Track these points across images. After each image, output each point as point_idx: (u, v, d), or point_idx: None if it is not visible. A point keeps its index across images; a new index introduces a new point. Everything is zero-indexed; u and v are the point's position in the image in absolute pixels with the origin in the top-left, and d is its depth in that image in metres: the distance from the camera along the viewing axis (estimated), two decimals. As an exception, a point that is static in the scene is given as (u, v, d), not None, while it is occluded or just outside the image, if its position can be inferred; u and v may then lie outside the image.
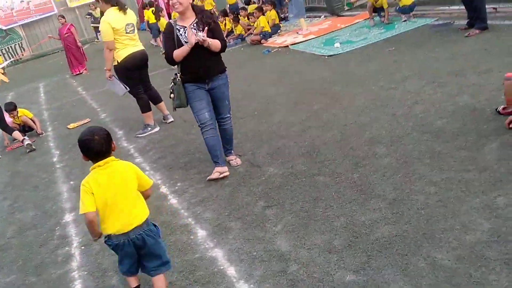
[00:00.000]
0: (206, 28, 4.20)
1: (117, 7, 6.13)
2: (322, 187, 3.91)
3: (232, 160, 4.81)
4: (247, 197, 4.08)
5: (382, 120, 4.89)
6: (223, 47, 4.39)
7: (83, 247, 4.01)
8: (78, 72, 13.58)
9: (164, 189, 4.73)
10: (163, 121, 6.86)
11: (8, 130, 7.52)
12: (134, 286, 3.09)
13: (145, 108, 6.59)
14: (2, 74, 11.44)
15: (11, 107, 7.87)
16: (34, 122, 8.13)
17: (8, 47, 22.32)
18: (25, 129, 8.05)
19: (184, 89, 4.46)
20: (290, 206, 3.77)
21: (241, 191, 4.21)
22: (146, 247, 2.91)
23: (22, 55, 22.08)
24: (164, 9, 16.81)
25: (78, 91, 11.31)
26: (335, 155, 4.41)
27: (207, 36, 4.19)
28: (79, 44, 13.77)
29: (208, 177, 4.57)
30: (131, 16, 6.33)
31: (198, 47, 4.22)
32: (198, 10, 4.36)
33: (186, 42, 4.24)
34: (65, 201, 5.08)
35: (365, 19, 9.73)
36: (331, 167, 4.21)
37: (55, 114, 9.39)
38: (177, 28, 4.31)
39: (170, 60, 4.42)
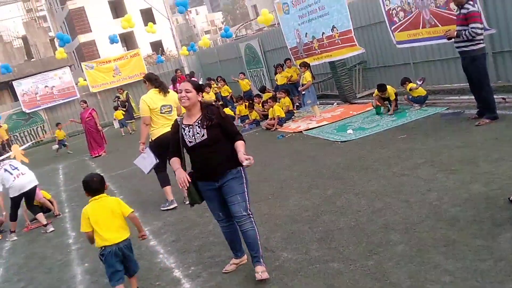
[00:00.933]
0: (205, 127, 4.03)
1: (158, 89, 6.84)
2: (336, 274, 3.90)
3: (258, 272, 4.09)
4: (261, 284, 4.07)
5: (396, 206, 4.93)
6: (240, 138, 4.13)
7: (95, 332, 3.98)
8: (97, 155, 13.90)
9: (177, 273, 4.74)
10: (167, 207, 6.99)
11: (34, 210, 7.64)
12: None
13: (164, 183, 7.06)
14: (22, 155, 11.78)
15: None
16: (52, 203, 8.27)
17: (30, 129, 23.00)
18: (43, 210, 8.17)
19: (196, 187, 4.23)
20: (304, 293, 3.75)
21: (256, 276, 4.20)
22: (125, 257, 4.23)
23: (44, 137, 22.72)
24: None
25: (96, 171, 11.50)
26: (349, 241, 4.42)
27: (215, 133, 4.03)
28: (99, 127, 14.22)
29: (224, 269, 4.47)
30: (171, 98, 6.91)
31: (202, 146, 4.04)
32: (204, 106, 4.17)
33: (190, 142, 4.07)
34: (78, 284, 5.09)
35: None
36: (345, 253, 4.22)
37: (72, 196, 9.55)
38: (182, 127, 4.15)
39: (172, 153, 4.25)
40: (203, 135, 4.04)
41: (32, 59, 32.70)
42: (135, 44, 44.03)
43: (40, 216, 7.53)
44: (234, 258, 4.48)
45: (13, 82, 23.72)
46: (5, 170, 7.36)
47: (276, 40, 15.55)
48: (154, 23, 26.86)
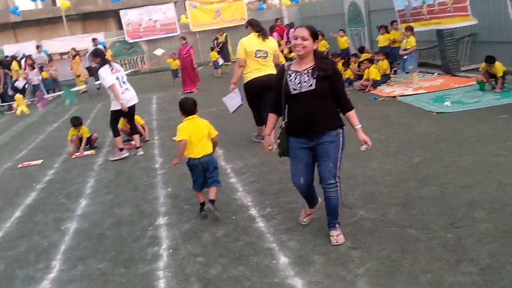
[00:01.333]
0: (315, 76, 3.74)
1: (258, 33, 6.92)
2: (412, 240, 3.84)
3: (333, 236, 3.98)
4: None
5: (486, 185, 4.72)
6: (349, 106, 3.91)
7: (171, 250, 4.22)
8: (190, 91, 14.28)
9: (253, 212, 4.87)
10: (259, 140, 7.39)
11: (133, 128, 8.02)
12: (201, 201, 4.93)
13: (257, 123, 7.41)
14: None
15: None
16: (144, 128, 8.69)
17: (130, 59, 24.03)
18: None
19: (288, 141, 4.01)
20: (377, 252, 3.74)
21: (331, 241, 4.20)
22: (209, 169, 4.82)
23: (142, 67, 23.67)
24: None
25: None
26: (431, 211, 4.31)
27: (323, 86, 3.73)
28: (195, 65, 14.56)
29: (302, 220, 4.39)
30: (269, 44, 7.02)
31: (306, 96, 3.75)
32: (318, 56, 3.84)
33: (294, 89, 3.77)
34: (160, 205, 5.38)
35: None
36: (425, 222, 4.12)
37: (163, 125, 9.96)
38: (288, 73, 3.84)
39: (272, 106, 4.12)
40: (311, 85, 3.72)
41: (140, -8, 33.62)
42: (239, -11, 43.91)
43: (137, 138, 7.91)
44: (308, 207, 4.37)
45: (120, 11, 24.67)
46: (117, 78, 7.49)
47: (384, 0, 14.92)
48: (261, -31, 26.58)
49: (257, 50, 6.91)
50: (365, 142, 3.87)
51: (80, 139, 8.42)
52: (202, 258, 4.01)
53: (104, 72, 7.28)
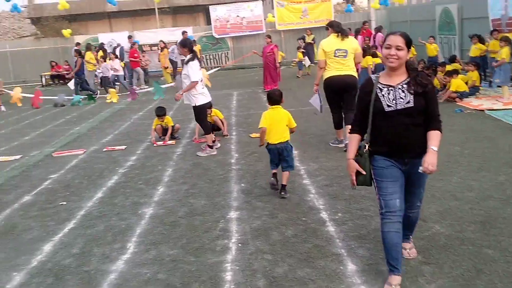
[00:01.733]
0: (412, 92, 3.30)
1: (337, 33, 6.99)
2: (489, 261, 3.67)
3: (406, 248, 3.79)
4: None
5: None
6: (438, 126, 3.34)
7: (240, 245, 4.30)
8: (270, 89, 14.41)
9: (324, 215, 4.84)
10: (336, 144, 7.46)
11: (205, 125, 7.92)
12: (273, 172, 5.67)
13: (336, 125, 7.39)
14: (207, 79, 12.85)
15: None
16: (222, 123, 8.87)
17: (215, 54, 24.59)
18: (214, 128, 8.81)
19: (371, 162, 3.48)
20: (449, 269, 3.60)
21: (403, 254, 4.10)
22: (283, 154, 5.51)
23: (226, 64, 24.18)
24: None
25: (266, 106, 11.98)
26: (512, 233, 4.09)
27: (420, 103, 3.28)
28: (278, 64, 14.65)
29: None
30: (348, 43, 7.07)
31: (404, 114, 3.30)
32: (412, 68, 3.41)
33: (388, 106, 3.31)
34: (233, 200, 5.48)
35: None
36: (504, 243, 3.92)
37: (241, 122, 10.12)
38: (379, 87, 3.39)
39: (355, 124, 3.59)
40: (408, 102, 3.29)
41: (230, -11, 34.26)
42: (328, -10, 43.65)
43: (209, 137, 7.78)
44: (391, 274, 3.42)
45: (209, 6, 25.28)
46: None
47: (478, 8, 14.25)
48: (352, -29, 26.25)
49: (336, 50, 6.97)
50: (427, 167, 3.21)
51: (163, 129, 8.74)
52: (269, 255, 4.05)
53: (195, 66, 7.42)
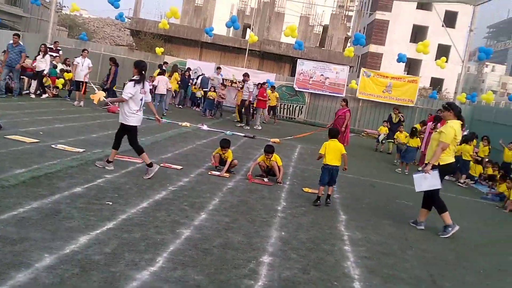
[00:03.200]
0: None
1: (460, 121, 7.13)
2: None
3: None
4: None
5: None
6: None
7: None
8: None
9: (357, 285, 4.67)
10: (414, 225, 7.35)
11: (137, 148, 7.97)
12: (319, 195, 7.68)
13: (442, 209, 7.19)
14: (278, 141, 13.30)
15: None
16: (279, 170, 8.89)
17: (290, 105, 24.94)
18: (269, 173, 8.86)
19: None
20: None
21: None
22: (333, 174, 7.71)
23: (298, 116, 24.49)
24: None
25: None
26: None
27: None
28: (343, 128, 14.59)
29: None
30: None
31: None
32: None
33: None
34: (270, 245, 5.40)
35: None
36: None
37: (297, 174, 10.11)
38: None
39: None
40: None
41: (323, 48, 34.99)
42: (416, 72, 43.81)
43: (113, 153, 7.84)
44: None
45: (298, 59, 25.84)
46: (141, 99, 7.78)
47: None
48: (446, 60, 26.09)
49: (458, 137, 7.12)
50: None
51: (221, 159, 8.89)
52: (290, 309, 3.93)
53: (131, 86, 7.60)
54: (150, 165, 7.70)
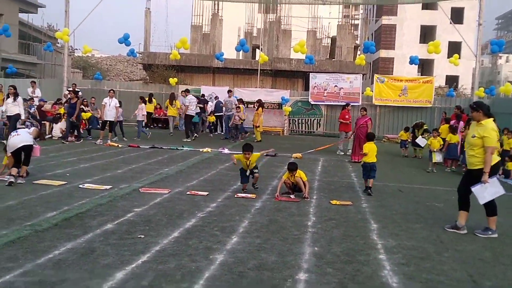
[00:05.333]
0: None
1: (492, 118, 7.03)
2: None
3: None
4: None
5: None
6: None
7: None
8: (357, 161, 14.28)
9: (396, 294, 4.63)
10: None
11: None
12: (367, 185, 9.76)
13: (492, 212, 6.98)
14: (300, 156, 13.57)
15: (293, 167, 8.89)
16: (304, 185, 8.88)
17: (307, 119, 24.98)
18: (295, 189, 8.86)
19: None
20: None
21: None
22: (373, 169, 9.72)
23: (317, 129, 24.51)
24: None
25: (350, 176, 11.94)
26: None
27: None
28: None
29: None
30: None
31: None
32: None
33: None
34: (304, 261, 5.38)
35: None
36: None
37: (323, 187, 10.08)
38: None
39: None
40: None
41: (333, 59, 35.05)
42: (430, 72, 43.61)
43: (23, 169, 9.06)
44: None
45: (310, 73, 25.92)
46: None
47: None
48: (459, 57, 25.90)
49: None
50: None
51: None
52: (333, 324, 3.91)
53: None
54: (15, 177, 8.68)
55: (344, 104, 18.10)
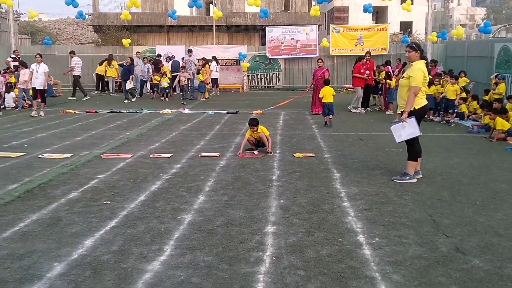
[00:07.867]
0: None
1: (424, 61, 6.92)
2: (528, 301, 3.56)
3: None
4: (441, 277, 3.92)
5: None
6: None
7: (274, 258, 4.32)
8: (317, 113, 14.42)
9: (361, 238, 4.80)
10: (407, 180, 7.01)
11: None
12: (326, 120, 12.34)
13: (413, 156, 6.98)
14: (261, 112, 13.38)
15: (254, 123, 8.85)
16: (267, 140, 8.96)
17: (266, 74, 24.89)
18: (259, 144, 8.93)
19: None
20: (485, 304, 3.52)
21: (438, 269, 4.06)
22: (331, 109, 12.26)
23: (276, 84, 24.49)
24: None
25: (311, 128, 12.09)
26: (555, 275, 3.95)
27: None
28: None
29: None
30: None
31: None
32: None
33: None
34: (271, 215, 5.51)
35: None
36: (546, 285, 3.79)
37: (285, 141, 10.19)
38: None
39: None
40: None
41: (288, 11, 34.76)
42: (384, 20, 43.85)
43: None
44: None
45: (266, 27, 25.67)
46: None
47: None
48: (412, 2, 26.05)
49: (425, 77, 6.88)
50: None
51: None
52: (302, 271, 4.05)
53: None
54: None
55: (358, 57, 16.77)
